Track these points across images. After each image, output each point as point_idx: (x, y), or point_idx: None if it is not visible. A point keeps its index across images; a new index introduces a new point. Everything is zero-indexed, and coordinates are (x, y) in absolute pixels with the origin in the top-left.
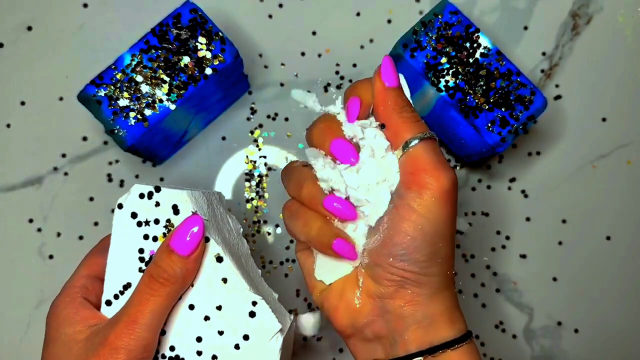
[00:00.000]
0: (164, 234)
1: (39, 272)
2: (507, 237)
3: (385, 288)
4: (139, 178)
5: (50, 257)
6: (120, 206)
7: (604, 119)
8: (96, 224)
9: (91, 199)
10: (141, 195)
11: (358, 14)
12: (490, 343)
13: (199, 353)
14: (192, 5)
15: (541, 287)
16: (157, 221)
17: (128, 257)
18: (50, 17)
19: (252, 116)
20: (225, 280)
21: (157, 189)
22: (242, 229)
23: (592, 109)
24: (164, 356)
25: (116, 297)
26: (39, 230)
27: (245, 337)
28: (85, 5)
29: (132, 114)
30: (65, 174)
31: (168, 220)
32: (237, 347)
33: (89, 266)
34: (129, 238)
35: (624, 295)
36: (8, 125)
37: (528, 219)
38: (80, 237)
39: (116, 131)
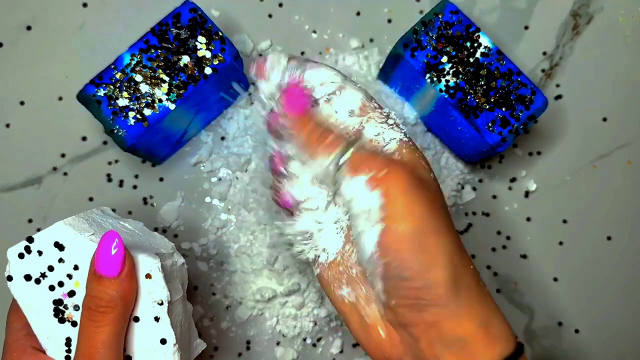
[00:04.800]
0: (68, 274)
1: None
2: (508, 237)
3: (401, 316)
4: (138, 178)
5: None
6: (10, 278)
7: (604, 119)
8: None
9: (91, 199)
10: (20, 255)
11: (358, 14)
12: None
13: None
14: (192, 4)
15: (542, 288)
16: (51, 268)
17: (49, 317)
18: (49, 16)
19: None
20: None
21: (30, 240)
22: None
23: (592, 108)
24: None
25: (67, 358)
26: (39, 230)
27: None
28: (85, 5)
29: (131, 114)
30: (65, 174)
31: (60, 260)
32: None
33: (18, 319)
34: (38, 300)
35: (625, 295)
36: (7, 125)
37: (529, 219)
38: None
39: (116, 131)
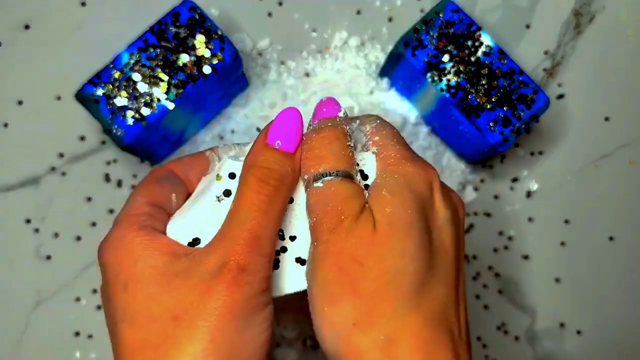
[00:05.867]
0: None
1: (37, 273)
2: (510, 238)
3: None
4: (137, 178)
5: (48, 257)
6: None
7: (606, 119)
8: (94, 224)
9: (89, 199)
10: (231, 175)
11: (358, 12)
12: (492, 345)
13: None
14: (191, 3)
15: (544, 288)
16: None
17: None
18: (48, 15)
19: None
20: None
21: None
22: None
23: (594, 108)
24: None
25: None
26: (37, 230)
27: None
28: (83, 4)
29: (130, 113)
30: (63, 173)
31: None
32: None
33: (148, 194)
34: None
35: (628, 296)
36: (5, 125)
37: (530, 220)
38: (78, 238)
39: (114, 130)
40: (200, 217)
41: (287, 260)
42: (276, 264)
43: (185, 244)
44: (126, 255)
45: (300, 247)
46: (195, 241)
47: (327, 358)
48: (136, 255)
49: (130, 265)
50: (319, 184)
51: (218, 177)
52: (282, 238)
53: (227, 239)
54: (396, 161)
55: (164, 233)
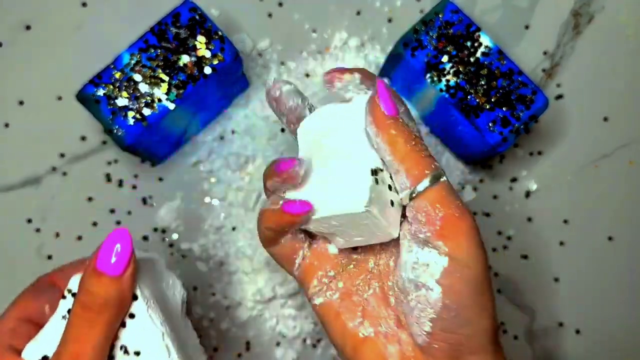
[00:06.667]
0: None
1: (38, 272)
2: (509, 238)
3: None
4: (137, 178)
5: (49, 257)
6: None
7: (605, 119)
8: (95, 224)
9: (90, 199)
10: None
11: (358, 13)
12: None
13: None
14: (192, 4)
15: (543, 288)
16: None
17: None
18: (49, 16)
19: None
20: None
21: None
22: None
23: (593, 108)
24: None
25: None
26: (38, 230)
27: None
28: (84, 4)
29: (130, 114)
30: (64, 174)
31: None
32: None
33: (20, 309)
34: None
35: (626, 295)
36: (6, 125)
37: (530, 220)
38: (79, 238)
39: (115, 131)
40: (48, 336)
41: None
42: None
43: None
44: None
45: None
46: (44, 359)
47: None
48: None
49: None
50: (439, 183)
51: (63, 296)
52: (127, 352)
53: (54, 358)
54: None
55: (21, 347)
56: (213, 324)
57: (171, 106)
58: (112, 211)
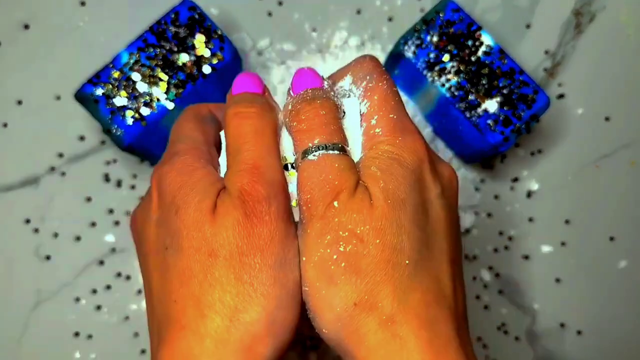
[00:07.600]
0: None
1: (36, 273)
2: (510, 238)
3: None
4: (136, 178)
5: (48, 257)
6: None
7: (607, 119)
8: (93, 224)
9: (88, 199)
10: None
11: (359, 12)
12: (492, 345)
13: None
14: (191, 3)
15: (544, 289)
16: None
17: None
18: (47, 15)
19: None
20: None
21: None
22: None
23: (595, 108)
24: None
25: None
26: (36, 230)
27: None
28: (82, 4)
29: (129, 113)
30: (63, 173)
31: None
32: None
33: (203, 133)
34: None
35: (628, 296)
36: (5, 125)
37: (531, 220)
38: (78, 238)
39: (113, 130)
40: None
41: None
42: None
43: None
44: (188, 182)
45: None
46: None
47: (329, 344)
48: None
49: (187, 191)
50: (313, 157)
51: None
52: (287, 168)
53: (233, 167)
54: (384, 134)
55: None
56: None
57: (170, 106)
58: (111, 211)
